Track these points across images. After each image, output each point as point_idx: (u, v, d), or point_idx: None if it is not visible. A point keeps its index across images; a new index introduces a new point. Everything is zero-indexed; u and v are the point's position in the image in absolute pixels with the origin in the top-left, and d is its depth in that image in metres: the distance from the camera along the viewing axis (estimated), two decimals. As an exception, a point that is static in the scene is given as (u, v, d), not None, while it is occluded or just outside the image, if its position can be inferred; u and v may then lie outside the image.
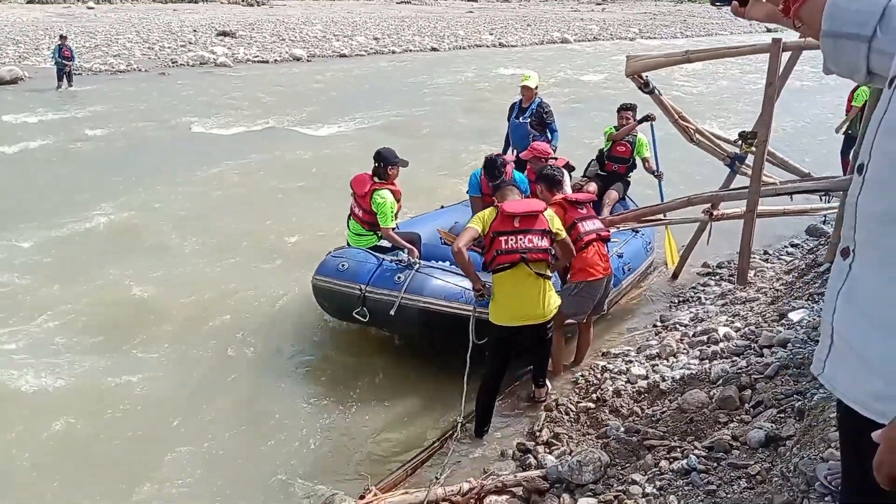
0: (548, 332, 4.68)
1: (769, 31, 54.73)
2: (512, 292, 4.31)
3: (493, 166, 5.63)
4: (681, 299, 6.61)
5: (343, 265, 5.23)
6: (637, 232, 6.45)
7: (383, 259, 5.27)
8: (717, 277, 7.05)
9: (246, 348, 5.68)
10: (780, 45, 3.93)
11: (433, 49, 31.87)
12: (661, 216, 6.62)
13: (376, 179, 5.58)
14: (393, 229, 5.57)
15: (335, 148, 12.51)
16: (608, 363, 5.23)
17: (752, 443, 3.21)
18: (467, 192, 6.21)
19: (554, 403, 4.79)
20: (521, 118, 7.15)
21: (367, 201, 5.51)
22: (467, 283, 4.74)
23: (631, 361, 5.08)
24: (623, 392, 4.65)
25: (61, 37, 18.52)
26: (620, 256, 5.98)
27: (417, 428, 4.75)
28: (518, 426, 4.72)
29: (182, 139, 13.26)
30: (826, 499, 2.18)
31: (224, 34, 30.80)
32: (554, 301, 4.44)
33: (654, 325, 6.01)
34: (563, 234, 4.42)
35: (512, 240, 4.23)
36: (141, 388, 5.08)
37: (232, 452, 4.44)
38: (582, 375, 5.13)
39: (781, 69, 4.02)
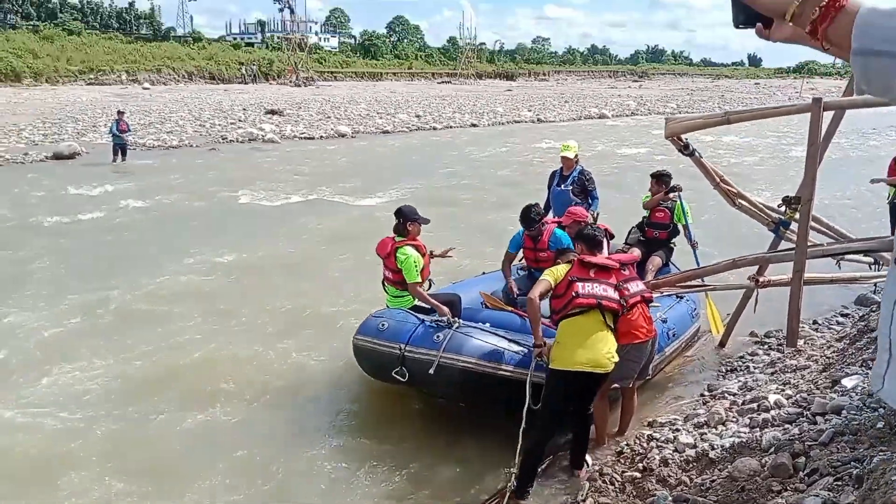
0: (599, 388, 4.62)
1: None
2: (581, 335, 4.33)
3: (527, 214, 5.90)
4: (728, 368, 6.45)
5: (383, 325, 5.26)
6: (681, 298, 6.38)
7: (424, 319, 5.27)
8: (766, 346, 6.89)
9: (285, 411, 5.72)
10: (822, 105, 3.95)
11: (473, 125, 32.61)
12: (705, 283, 6.58)
13: (397, 238, 5.72)
14: (427, 289, 5.71)
15: (377, 217, 12.73)
16: (654, 432, 5.08)
17: (809, 512, 3.07)
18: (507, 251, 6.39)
19: (598, 473, 4.66)
20: (562, 185, 7.29)
21: (391, 261, 5.65)
22: (508, 345, 4.74)
23: (678, 430, 4.93)
24: (670, 461, 4.51)
25: (119, 112, 19.42)
26: (665, 321, 5.91)
27: (460, 496, 4.67)
28: (560, 497, 4.59)
29: (229, 211, 13.66)
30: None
31: (272, 112, 32.07)
32: (615, 355, 4.42)
33: (702, 395, 5.86)
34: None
35: (589, 286, 4.36)
36: (170, 444, 5.15)
37: None
38: (627, 444, 4.99)
39: (824, 131, 4.04)
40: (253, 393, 5.98)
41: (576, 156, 7.42)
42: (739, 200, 5.92)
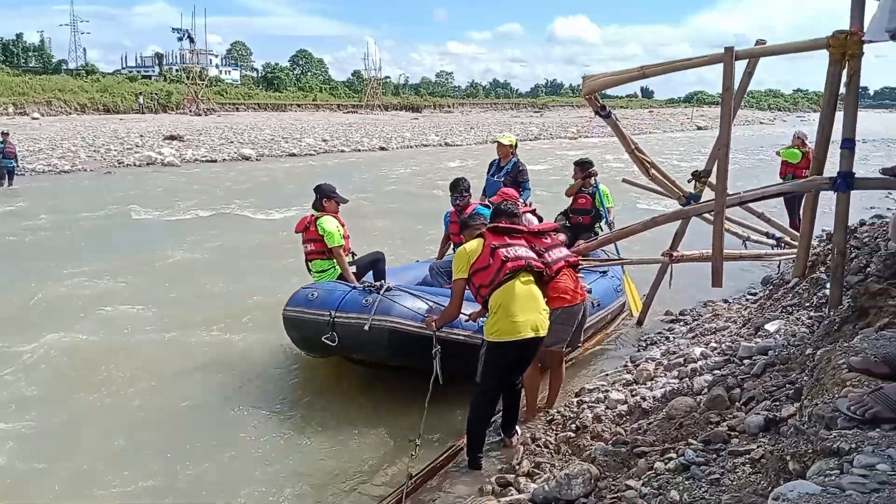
0: (535, 355, 4.48)
1: (699, 128, 58.15)
2: (519, 300, 4.14)
3: (456, 184, 6.08)
4: (648, 342, 6.49)
5: (313, 294, 5.31)
6: (606, 273, 6.52)
7: (353, 286, 5.34)
8: (682, 323, 7.00)
9: (209, 394, 5.51)
10: (733, 54, 4.02)
11: (381, 148, 32.57)
12: (623, 258, 6.64)
13: (314, 212, 5.88)
14: (349, 261, 5.85)
15: (287, 228, 12.36)
16: (583, 397, 5.01)
17: (752, 429, 3.02)
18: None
19: (530, 439, 4.53)
20: (496, 176, 7.39)
21: (312, 231, 5.79)
22: (436, 306, 4.80)
23: (607, 391, 4.87)
24: (603, 417, 4.43)
25: (3, 133, 18.01)
26: (590, 292, 5.90)
27: (389, 466, 4.44)
28: (494, 463, 4.40)
29: (127, 226, 12.94)
30: (853, 431, 1.99)
31: (172, 138, 30.85)
32: (548, 318, 4.30)
33: (625, 365, 5.85)
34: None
35: (513, 249, 4.23)
36: (108, 436, 4.81)
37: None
38: (557, 412, 4.89)
39: (740, 78, 4.13)
40: (171, 381, 5.72)
41: (511, 145, 7.55)
42: (653, 171, 6.02)
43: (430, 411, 4.21)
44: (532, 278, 4.28)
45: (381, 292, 5.06)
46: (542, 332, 4.24)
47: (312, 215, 5.87)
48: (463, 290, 4.30)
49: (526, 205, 6.71)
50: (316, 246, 5.79)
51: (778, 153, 11.34)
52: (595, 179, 7.51)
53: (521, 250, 4.30)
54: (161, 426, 4.97)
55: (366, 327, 4.86)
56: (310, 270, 5.96)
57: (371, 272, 6.09)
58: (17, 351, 6.21)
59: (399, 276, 6.22)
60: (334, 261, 5.75)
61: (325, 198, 5.85)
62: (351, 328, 4.97)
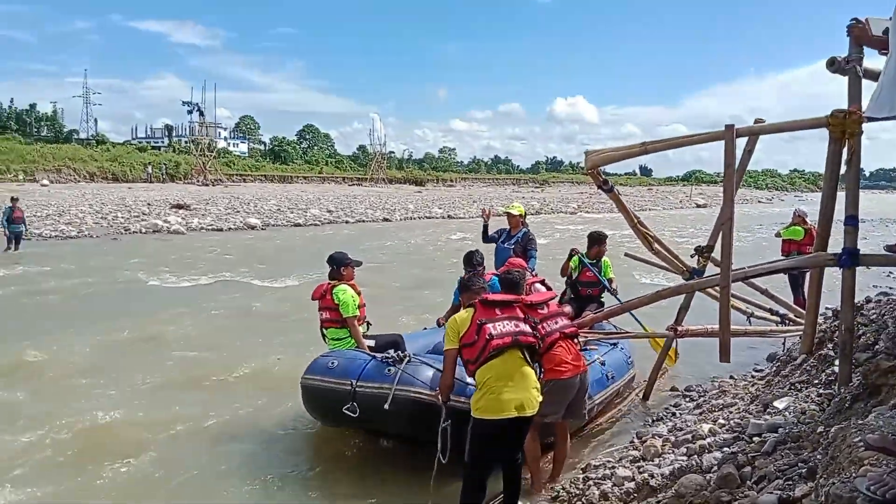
0: (527, 431, 4.38)
1: (698, 206, 58.72)
2: (504, 378, 4.06)
3: (470, 257, 6.21)
4: (655, 418, 6.36)
5: (333, 363, 5.23)
6: (616, 345, 6.54)
7: (374, 356, 5.24)
8: (688, 399, 6.89)
9: (215, 461, 5.42)
10: (734, 131, 4.10)
11: (385, 220, 32.89)
12: (628, 331, 6.62)
13: (330, 281, 5.92)
14: (365, 331, 5.92)
15: (292, 295, 12.39)
16: (589, 474, 4.88)
17: (765, 509, 2.93)
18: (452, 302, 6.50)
19: (535, 517, 4.40)
20: (506, 243, 7.49)
21: (328, 300, 5.78)
22: (461, 376, 4.57)
23: (614, 467, 4.75)
24: (610, 494, 4.31)
25: (13, 199, 18.30)
26: (603, 364, 6.02)
27: None
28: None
29: (133, 291, 12.95)
30: (873, 511, 1.94)
31: (179, 206, 31.25)
32: (539, 396, 4.22)
33: (632, 441, 5.72)
34: None
35: (500, 325, 4.14)
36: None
37: None
38: (563, 488, 4.75)
39: (740, 156, 4.20)
40: (176, 450, 5.60)
41: (520, 215, 7.72)
42: (656, 245, 6.05)
43: (437, 489, 4.12)
44: (521, 354, 4.19)
45: (403, 364, 4.96)
46: (530, 411, 4.13)
47: (329, 283, 5.88)
48: (454, 360, 4.23)
49: (533, 275, 6.74)
50: (331, 314, 5.78)
51: (778, 234, 11.43)
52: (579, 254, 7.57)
53: (509, 325, 4.19)
54: (166, 495, 4.85)
55: (388, 399, 4.75)
56: (325, 338, 5.95)
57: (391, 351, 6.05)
58: (17, 416, 6.11)
59: (414, 343, 6.16)
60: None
61: (342, 266, 5.91)
62: (373, 398, 4.85)
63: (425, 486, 4.43)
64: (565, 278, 7.59)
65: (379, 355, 5.25)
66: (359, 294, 5.88)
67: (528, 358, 4.26)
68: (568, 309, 6.83)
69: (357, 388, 4.93)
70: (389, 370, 4.96)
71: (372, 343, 5.81)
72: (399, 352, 5.18)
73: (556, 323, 4.82)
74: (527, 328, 4.27)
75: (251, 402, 6.73)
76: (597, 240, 7.48)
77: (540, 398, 4.23)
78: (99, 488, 4.90)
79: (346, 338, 5.77)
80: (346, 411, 4.92)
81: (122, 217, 26.58)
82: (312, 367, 5.36)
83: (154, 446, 5.62)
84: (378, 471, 5.25)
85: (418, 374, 4.92)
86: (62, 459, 5.36)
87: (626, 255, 7.74)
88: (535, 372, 4.38)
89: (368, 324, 6.09)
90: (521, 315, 4.33)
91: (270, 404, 6.62)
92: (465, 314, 4.25)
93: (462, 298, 4.66)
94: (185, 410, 6.46)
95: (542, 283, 6.19)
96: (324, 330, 5.94)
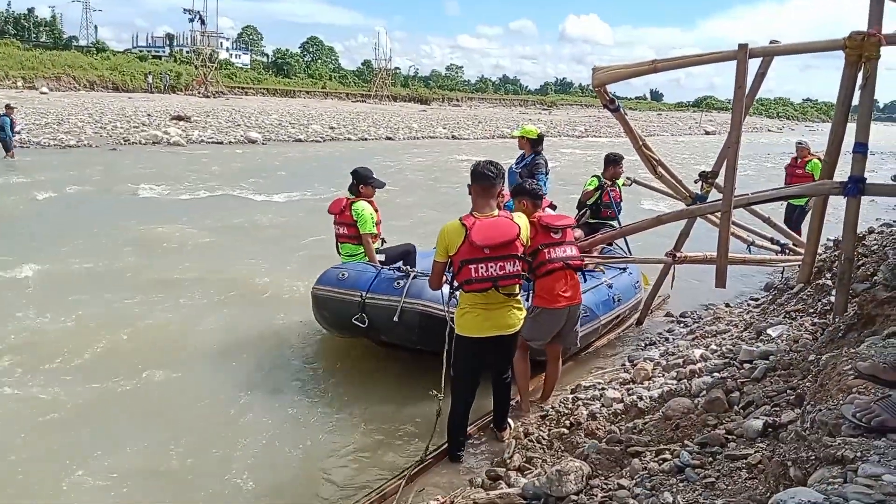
0: (514, 348, 4.38)
1: (707, 133, 57.89)
2: (480, 307, 4.02)
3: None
4: (648, 342, 6.41)
5: (343, 275, 5.36)
6: (625, 270, 6.54)
7: (382, 269, 5.39)
8: (682, 325, 6.92)
9: (220, 373, 5.48)
10: (747, 51, 3.92)
11: (388, 138, 32.49)
12: (627, 255, 6.58)
13: (350, 195, 5.87)
14: (381, 246, 5.94)
15: (292, 211, 12.37)
16: (578, 394, 4.93)
17: (750, 433, 2.94)
18: None
19: (522, 434, 4.45)
20: (516, 167, 7.25)
21: (346, 215, 5.77)
22: None
23: (604, 388, 4.79)
24: (598, 415, 4.35)
25: (7, 106, 17.90)
26: (610, 287, 6.07)
27: (392, 454, 4.39)
28: (486, 457, 4.34)
29: (130, 202, 12.91)
30: (858, 439, 1.92)
31: (179, 118, 30.78)
32: (521, 314, 4.17)
33: (623, 365, 5.77)
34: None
35: (482, 268, 3.92)
36: (117, 408, 4.79)
37: (196, 468, 4.10)
38: (552, 407, 4.81)
39: (752, 79, 4.04)
40: (183, 363, 5.63)
41: (522, 136, 7.09)
42: (660, 169, 5.94)
43: (446, 400, 4.16)
44: (501, 295, 4.01)
45: (412, 277, 5.07)
46: (512, 330, 4.09)
47: (348, 198, 5.85)
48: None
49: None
50: (349, 230, 5.81)
51: (799, 165, 9.69)
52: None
53: (494, 268, 3.95)
54: (168, 409, 4.88)
55: (397, 311, 4.92)
56: (339, 252, 5.97)
57: (400, 263, 6.03)
58: (19, 330, 6.14)
59: (427, 260, 6.15)
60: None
61: (363, 183, 5.84)
62: (381, 310, 5.01)
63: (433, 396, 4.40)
64: (587, 202, 7.41)
65: (387, 268, 5.39)
66: (376, 211, 5.88)
67: (509, 292, 4.08)
68: (579, 233, 6.79)
69: (366, 300, 5.09)
70: (398, 283, 5.08)
71: (382, 258, 5.86)
72: (408, 265, 5.32)
73: (565, 251, 4.74)
74: (514, 268, 4.00)
75: (258, 311, 6.81)
76: (613, 161, 7.37)
77: (520, 320, 4.15)
78: (109, 402, 4.93)
79: (359, 254, 5.80)
80: (356, 322, 5.09)
81: (122, 127, 26.24)
82: (323, 278, 5.48)
83: (159, 358, 5.64)
84: (387, 379, 5.36)
85: (426, 288, 4.90)
86: (54, 373, 5.40)
87: (628, 179, 7.58)
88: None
89: (383, 240, 6.11)
90: (516, 251, 4.00)
91: (278, 313, 6.72)
92: (453, 234, 3.94)
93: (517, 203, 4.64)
94: (190, 320, 6.51)
95: (550, 205, 6.08)
96: (339, 245, 5.96)
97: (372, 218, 5.76)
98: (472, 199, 4.05)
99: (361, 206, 5.75)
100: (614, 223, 7.33)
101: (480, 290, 3.95)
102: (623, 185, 7.46)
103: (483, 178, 3.97)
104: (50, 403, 4.79)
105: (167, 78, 59.48)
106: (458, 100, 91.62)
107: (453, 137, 36.25)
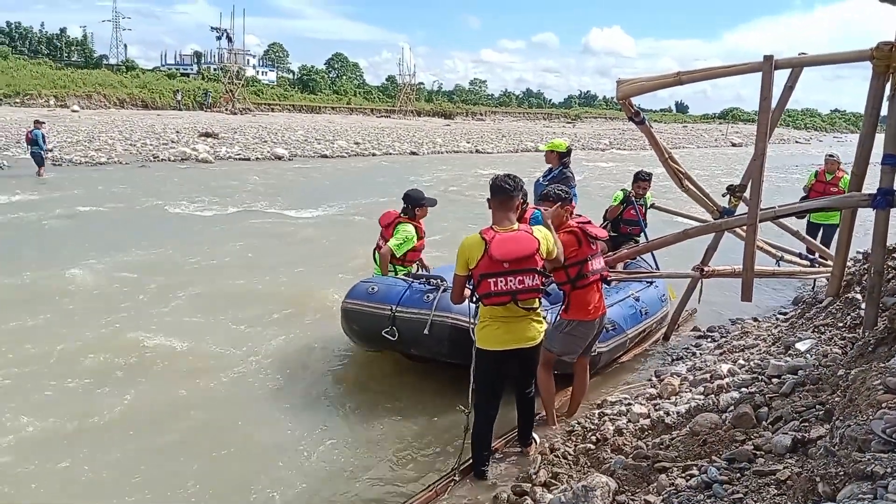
0: (536, 362, 4.37)
1: (733, 145, 57.34)
2: (500, 321, 4.02)
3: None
4: (675, 357, 6.36)
5: (373, 288, 5.41)
6: (651, 283, 6.55)
7: (413, 282, 5.42)
8: (710, 339, 6.85)
9: (249, 385, 5.56)
10: (773, 63, 3.92)
11: (412, 153, 32.63)
12: (654, 270, 6.55)
13: (403, 215, 5.98)
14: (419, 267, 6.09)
15: (318, 227, 12.50)
16: (605, 410, 4.91)
17: (778, 449, 2.92)
18: None
19: (548, 449, 4.44)
20: (543, 179, 7.28)
21: (389, 231, 5.85)
22: None
23: (630, 404, 4.76)
24: (625, 430, 4.33)
25: (36, 122, 18.06)
26: (637, 300, 6.08)
27: (420, 469, 4.41)
28: (512, 472, 4.33)
29: (160, 218, 13.11)
30: (888, 455, 1.90)
31: (207, 135, 31.31)
32: (541, 328, 4.17)
33: (650, 380, 5.73)
34: (556, 253, 4.17)
35: (502, 282, 3.92)
36: (150, 419, 4.85)
37: (225, 481, 4.16)
38: (578, 423, 4.79)
39: (780, 92, 4.02)
40: (208, 375, 5.69)
41: (551, 150, 7.08)
42: (686, 183, 5.91)
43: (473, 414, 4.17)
44: (517, 306, 4.00)
45: (441, 290, 5.09)
46: (532, 343, 4.08)
47: (399, 215, 5.95)
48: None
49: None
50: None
51: (831, 181, 9.15)
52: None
53: (514, 282, 3.92)
54: (195, 421, 4.95)
55: (427, 324, 4.95)
56: (375, 261, 6.04)
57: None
58: (51, 340, 6.25)
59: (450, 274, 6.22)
60: (400, 265, 5.88)
61: (418, 206, 5.94)
62: (412, 323, 5.05)
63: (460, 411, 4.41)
64: (607, 217, 7.55)
65: (416, 282, 5.42)
66: (421, 237, 5.96)
67: (529, 307, 4.08)
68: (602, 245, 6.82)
69: (396, 314, 5.13)
70: (428, 296, 5.12)
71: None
72: (438, 279, 5.31)
73: (600, 263, 4.73)
74: (533, 283, 3.97)
75: (287, 325, 6.91)
76: (640, 178, 7.45)
77: (541, 333, 4.13)
78: (134, 413, 5.01)
79: (393, 269, 5.86)
80: (386, 335, 5.13)
81: (151, 144, 26.72)
82: (353, 292, 5.52)
83: (188, 371, 5.73)
84: (416, 393, 5.39)
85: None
86: (91, 381, 5.49)
87: (653, 206, 7.64)
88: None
89: (426, 268, 6.25)
90: (535, 265, 3.96)
91: (307, 327, 6.81)
92: (473, 249, 3.92)
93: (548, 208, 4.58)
94: (219, 334, 6.59)
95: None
96: (375, 254, 6.02)
97: (407, 242, 5.81)
98: (492, 213, 4.06)
99: (405, 227, 5.83)
100: (639, 238, 7.36)
101: (499, 303, 3.95)
102: (649, 205, 7.51)
103: (501, 192, 3.98)
104: (86, 413, 4.88)
105: (209, 96, 60.78)
106: (481, 114, 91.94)
107: (477, 151, 36.35)
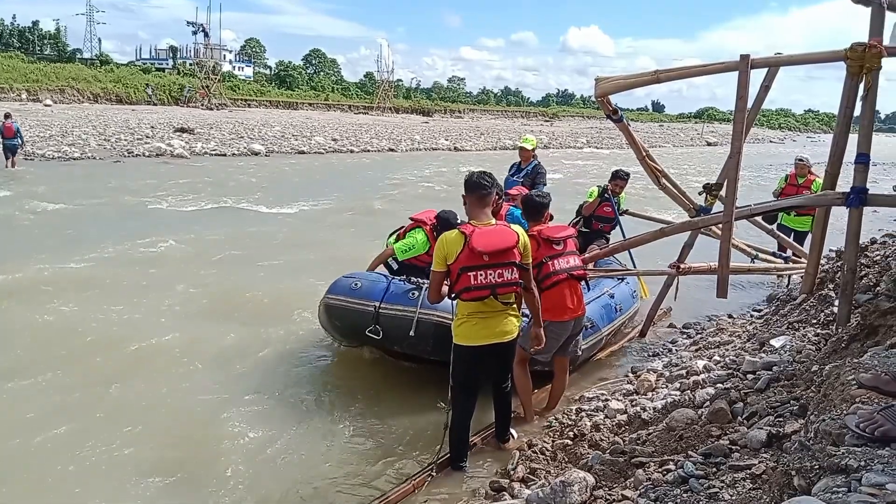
0: (513, 356, 4.37)
1: (708, 144, 57.94)
2: (477, 316, 4.03)
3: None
4: (651, 353, 6.41)
5: (356, 284, 5.28)
6: (623, 280, 6.56)
7: (394, 279, 5.34)
8: (686, 336, 6.92)
9: (223, 382, 5.44)
10: (749, 62, 3.96)
11: (390, 150, 32.57)
12: (628, 267, 6.59)
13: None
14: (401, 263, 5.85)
15: (294, 223, 12.41)
16: (582, 405, 4.94)
17: (754, 444, 2.95)
18: None
19: (526, 445, 4.45)
20: (516, 176, 7.44)
21: (403, 233, 5.77)
22: None
23: (607, 399, 4.80)
24: (602, 426, 4.36)
25: (6, 115, 17.82)
26: (612, 297, 6.09)
27: (399, 464, 4.37)
28: (490, 467, 4.34)
29: (135, 213, 12.93)
30: (861, 449, 1.93)
31: (182, 130, 30.96)
32: (518, 322, 4.18)
33: (626, 376, 5.78)
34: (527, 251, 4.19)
35: (482, 275, 3.93)
36: (128, 419, 4.73)
37: (202, 479, 4.09)
38: (556, 419, 4.82)
39: (757, 91, 4.07)
40: (185, 372, 5.61)
41: (532, 148, 7.64)
42: (663, 181, 5.96)
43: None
44: (494, 300, 4.02)
45: (425, 289, 4.91)
46: (509, 338, 4.09)
47: (426, 223, 5.71)
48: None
49: None
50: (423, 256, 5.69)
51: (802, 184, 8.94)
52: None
53: (493, 275, 3.96)
54: (171, 419, 4.87)
55: (413, 322, 4.86)
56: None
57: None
58: (20, 333, 6.17)
59: None
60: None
61: (447, 228, 5.77)
62: (397, 321, 4.95)
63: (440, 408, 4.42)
64: (583, 213, 7.57)
65: (399, 278, 5.33)
66: (430, 246, 5.66)
67: (507, 301, 4.11)
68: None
69: (381, 311, 5.02)
70: (413, 294, 5.02)
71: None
72: (419, 278, 5.20)
73: (568, 262, 4.75)
74: (512, 276, 3.99)
75: (263, 321, 6.81)
76: (618, 176, 7.49)
77: (516, 328, 4.15)
78: (111, 411, 4.92)
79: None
80: (370, 334, 5.04)
81: (126, 139, 26.38)
82: (335, 287, 5.39)
83: (164, 369, 5.64)
84: (396, 390, 5.34)
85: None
86: (67, 378, 5.39)
87: (626, 212, 7.70)
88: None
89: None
90: (513, 259, 3.99)
91: (284, 323, 6.73)
92: (452, 244, 3.93)
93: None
94: (195, 331, 6.49)
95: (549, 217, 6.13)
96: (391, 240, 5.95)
97: (415, 249, 5.63)
98: (468, 210, 4.08)
99: (417, 235, 5.67)
100: (609, 235, 7.44)
101: (479, 297, 3.96)
102: (621, 210, 7.56)
103: (478, 188, 3.99)
104: (60, 412, 4.79)
105: (188, 90, 60.11)
106: (460, 111, 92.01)
107: (455, 149, 36.35)
